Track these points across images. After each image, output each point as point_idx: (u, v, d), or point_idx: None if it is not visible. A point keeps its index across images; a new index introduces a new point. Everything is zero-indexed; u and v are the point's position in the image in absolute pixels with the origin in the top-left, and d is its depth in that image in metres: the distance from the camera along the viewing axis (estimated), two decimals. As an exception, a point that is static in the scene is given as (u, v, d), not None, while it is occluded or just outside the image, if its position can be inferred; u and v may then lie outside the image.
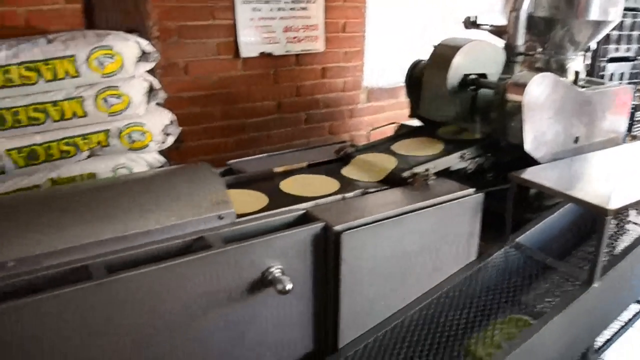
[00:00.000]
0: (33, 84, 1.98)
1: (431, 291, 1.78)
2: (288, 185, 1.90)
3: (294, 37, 3.33)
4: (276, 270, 1.47)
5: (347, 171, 2.04)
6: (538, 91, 2.11)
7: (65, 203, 1.54)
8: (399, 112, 3.83)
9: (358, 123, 3.79)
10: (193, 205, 1.54)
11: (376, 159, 2.12)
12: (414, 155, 2.16)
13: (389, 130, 2.63)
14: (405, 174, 1.94)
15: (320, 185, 1.90)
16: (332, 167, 2.10)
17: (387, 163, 2.06)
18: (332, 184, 1.90)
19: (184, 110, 2.82)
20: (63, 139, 2.05)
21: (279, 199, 1.76)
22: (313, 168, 2.09)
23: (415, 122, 2.59)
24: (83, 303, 1.26)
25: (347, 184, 1.91)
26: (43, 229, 1.39)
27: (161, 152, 2.33)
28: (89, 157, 2.12)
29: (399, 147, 2.27)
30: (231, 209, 1.55)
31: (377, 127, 2.62)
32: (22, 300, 1.20)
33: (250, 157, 2.30)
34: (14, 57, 1.95)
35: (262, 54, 3.22)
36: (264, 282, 1.48)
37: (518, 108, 2.07)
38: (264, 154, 2.35)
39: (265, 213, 1.62)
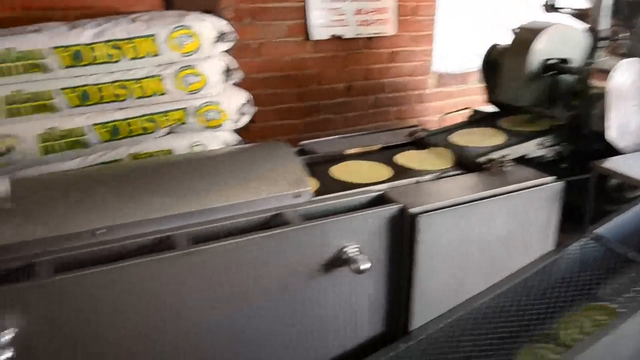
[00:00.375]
0: (116, 61, 2.06)
1: (507, 279, 1.74)
2: (338, 171, 1.88)
3: (365, 20, 3.31)
4: (353, 249, 1.47)
5: (400, 158, 2.00)
6: (623, 78, 2.02)
7: (149, 176, 1.59)
8: (469, 98, 3.76)
9: (426, 108, 3.74)
10: (271, 182, 1.56)
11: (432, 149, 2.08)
12: (474, 147, 2.07)
13: (459, 116, 2.58)
14: (481, 159, 1.90)
15: (371, 172, 1.87)
16: (389, 153, 2.06)
17: (442, 153, 2.02)
18: (384, 171, 1.87)
19: (255, 91, 2.85)
20: (143, 115, 2.13)
21: (328, 185, 1.75)
22: (367, 154, 2.06)
23: (490, 108, 2.53)
24: (167, 272, 1.31)
25: (400, 172, 1.87)
26: (130, 200, 1.44)
27: (234, 131, 2.38)
28: (167, 134, 2.18)
29: (459, 137, 2.20)
30: (308, 187, 1.57)
31: (450, 112, 2.58)
32: (111, 265, 1.25)
33: (322, 139, 2.30)
34: (100, 35, 2.03)
35: (332, 37, 3.22)
36: (339, 260, 1.49)
37: (602, 95, 1.99)
38: (336, 136, 2.34)
39: (342, 193, 1.63)
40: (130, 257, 1.30)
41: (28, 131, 2.00)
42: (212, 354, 1.44)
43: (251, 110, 2.33)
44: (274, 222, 1.48)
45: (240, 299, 1.42)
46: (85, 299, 1.25)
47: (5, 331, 1.17)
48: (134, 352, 1.34)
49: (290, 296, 1.49)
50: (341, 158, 2.00)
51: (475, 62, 3.69)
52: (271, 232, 1.39)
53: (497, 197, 1.69)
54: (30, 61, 1.93)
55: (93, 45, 2.01)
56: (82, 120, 2.05)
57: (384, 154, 2.06)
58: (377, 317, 1.66)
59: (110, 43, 2.02)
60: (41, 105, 1.99)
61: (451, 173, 1.87)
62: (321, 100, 3.30)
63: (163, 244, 1.37)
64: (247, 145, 2.23)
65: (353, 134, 2.40)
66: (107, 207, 1.41)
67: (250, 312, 1.45)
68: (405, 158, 2.00)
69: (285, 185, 1.56)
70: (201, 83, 2.15)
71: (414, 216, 1.53)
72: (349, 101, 3.40)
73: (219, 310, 1.41)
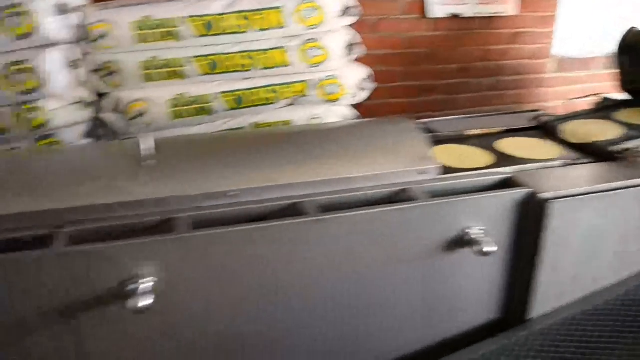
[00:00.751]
0: (244, 32, 2.11)
1: (638, 276, 1.64)
2: (437, 155, 1.81)
3: (485, -1, 3.19)
4: (477, 231, 1.44)
5: (501, 145, 1.91)
6: None
7: (277, 144, 1.63)
8: (592, 85, 3.54)
9: (544, 93, 3.56)
10: (396, 157, 1.56)
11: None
12: (599, 137, 1.91)
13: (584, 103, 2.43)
14: (615, 148, 1.79)
15: (469, 157, 1.80)
16: (489, 139, 1.96)
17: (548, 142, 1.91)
18: (484, 157, 1.79)
19: (370, 67, 2.84)
20: (266, 86, 2.18)
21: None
22: (467, 139, 1.97)
23: (621, 96, 2.36)
24: (295, 237, 1.34)
25: (501, 159, 1.78)
26: (260, 165, 1.49)
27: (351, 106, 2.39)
28: (288, 105, 2.23)
29: (580, 125, 2.05)
30: (435, 165, 1.55)
31: (575, 98, 2.44)
32: (245, 226, 1.30)
33: (440, 118, 2.25)
34: (231, 6, 2.09)
35: (450, 15, 3.13)
36: (461, 241, 1.47)
37: None
38: (455, 116, 2.29)
39: (469, 173, 1.59)
40: (260, 220, 1.35)
41: (160, 96, 2.11)
42: (326, 320, 1.47)
43: (371, 86, 2.33)
44: (399, 197, 1.47)
45: (361, 269, 1.44)
46: (218, 256, 1.30)
47: (147, 279, 1.25)
48: (258, 309, 1.39)
49: (409, 272, 1.48)
50: (462, 139, 1.95)
51: (600, 46, 3.50)
52: (399, 206, 1.39)
53: (634, 189, 1.59)
54: (166, 29, 2.03)
55: (224, 16, 2.08)
56: (209, 87, 2.14)
57: (483, 140, 1.96)
58: (493, 302, 1.62)
59: (241, 14, 2.08)
60: (173, 71, 2.09)
61: (582, 161, 1.77)
62: (434, 80, 3.24)
63: (291, 210, 1.40)
64: (368, 119, 2.23)
65: (473, 115, 2.32)
66: (239, 170, 1.46)
67: (368, 284, 1.46)
68: (506, 145, 1.91)
69: (411, 161, 1.55)
70: (323, 56, 2.17)
71: (544, 202, 1.47)
72: (463, 82, 3.30)
73: (339, 279, 1.43)
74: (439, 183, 1.52)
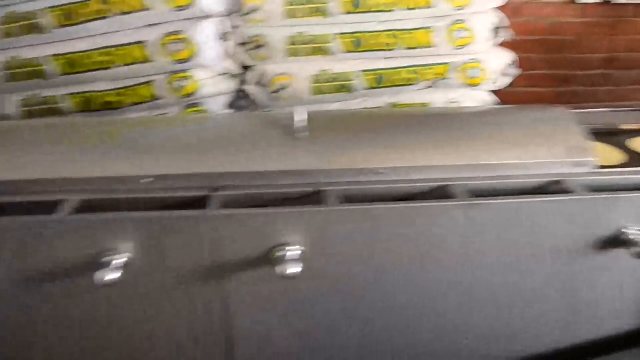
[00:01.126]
0: (391, 11, 2.11)
1: None
2: None
3: (646, -18, 2.95)
4: (636, 232, 1.36)
5: (636, 143, 1.75)
6: None
7: (423, 125, 1.62)
8: None
9: (700, 91, 3.26)
10: (550, 146, 1.50)
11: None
12: None
13: None
14: None
15: (602, 154, 1.66)
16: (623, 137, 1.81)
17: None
18: (613, 155, 1.66)
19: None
20: (408, 66, 2.16)
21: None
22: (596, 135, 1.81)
23: None
24: (442, 220, 1.33)
25: (634, 158, 1.64)
26: (408, 145, 1.49)
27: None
28: (427, 87, 2.20)
29: None
30: (592, 158, 1.47)
31: None
32: (395, 204, 1.33)
33: (576, 111, 2.12)
34: (380, -17, 2.09)
35: (601, 1, 2.93)
36: (617, 241, 1.39)
37: None
38: (592, 109, 2.15)
39: (630, 169, 1.50)
40: (406, 199, 1.35)
41: (303, 71, 2.16)
42: (456, 308, 1.45)
43: (515, 72, 2.25)
44: (552, 188, 1.42)
45: (503, 260, 1.40)
46: (364, 231, 1.32)
47: (295, 247, 1.30)
48: (395, 286, 1.40)
49: (554, 268, 1.43)
50: (615, 134, 1.83)
51: None
52: (555, 198, 1.34)
53: None
54: (315, 5, 2.07)
55: (371, -7, 2.09)
56: (352, 65, 2.16)
57: (614, 137, 1.82)
58: (635, 309, 1.53)
59: (389, -8, 2.08)
60: (318, 48, 2.13)
61: None
62: (575, 70, 3.05)
63: (439, 192, 1.39)
64: (516, 106, 2.16)
65: (625, 108, 2.18)
66: (388, 149, 1.47)
67: (507, 276, 1.42)
68: None
69: (566, 151, 1.48)
70: (470, 39, 2.12)
71: None
72: (606, 74, 3.09)
73: (479, 267, 1.40)
74: (598, 177, 1.44)
